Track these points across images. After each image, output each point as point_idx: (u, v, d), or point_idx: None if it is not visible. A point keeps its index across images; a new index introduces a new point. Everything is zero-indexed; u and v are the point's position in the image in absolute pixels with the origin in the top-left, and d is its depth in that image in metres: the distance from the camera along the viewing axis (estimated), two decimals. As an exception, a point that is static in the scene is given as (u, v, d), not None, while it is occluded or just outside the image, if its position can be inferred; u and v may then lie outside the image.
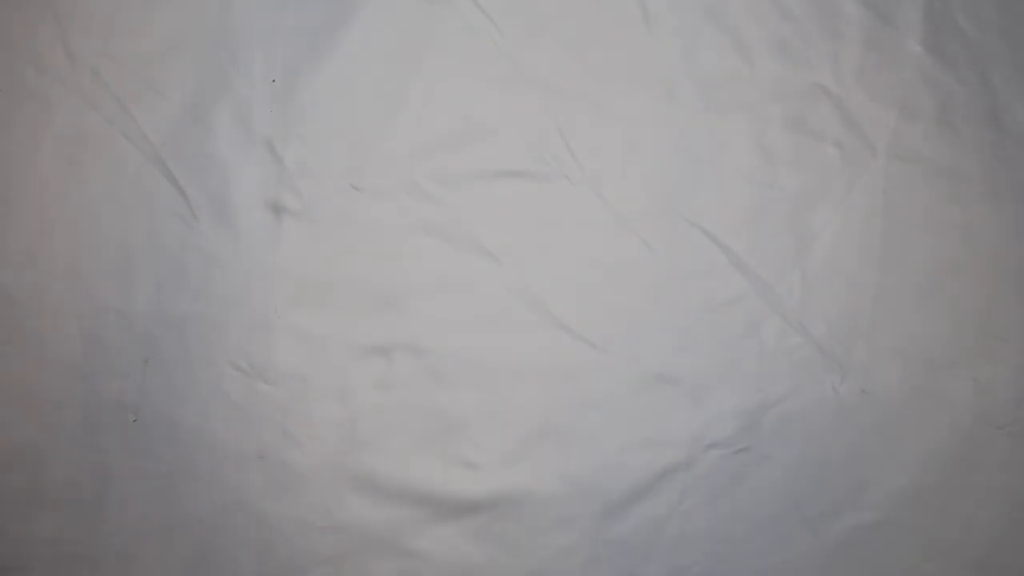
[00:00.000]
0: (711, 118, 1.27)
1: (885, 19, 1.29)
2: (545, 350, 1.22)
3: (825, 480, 1.20)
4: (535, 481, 1.20)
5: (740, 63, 1.28)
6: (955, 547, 1.19)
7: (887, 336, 1.23)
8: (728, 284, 1.24)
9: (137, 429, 1.19)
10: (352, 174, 1.25)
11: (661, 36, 1.28)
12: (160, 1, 1.27)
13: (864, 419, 1.21)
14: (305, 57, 1.26)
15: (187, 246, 1.23)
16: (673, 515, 1.19)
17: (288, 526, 1.18)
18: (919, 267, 1.25)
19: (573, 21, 1.28)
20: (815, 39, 1.29)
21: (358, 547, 1.18)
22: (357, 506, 1.19)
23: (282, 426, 1.20)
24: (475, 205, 1.24)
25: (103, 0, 1.27)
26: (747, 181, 1.26)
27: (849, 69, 1.28)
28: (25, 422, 1.19)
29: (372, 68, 1.27)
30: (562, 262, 1.24)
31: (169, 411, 1.19)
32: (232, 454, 1.19)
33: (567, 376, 1.22)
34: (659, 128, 1.26)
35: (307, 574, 1.18)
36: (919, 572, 1.19)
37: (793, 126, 1.27)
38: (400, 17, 1.28)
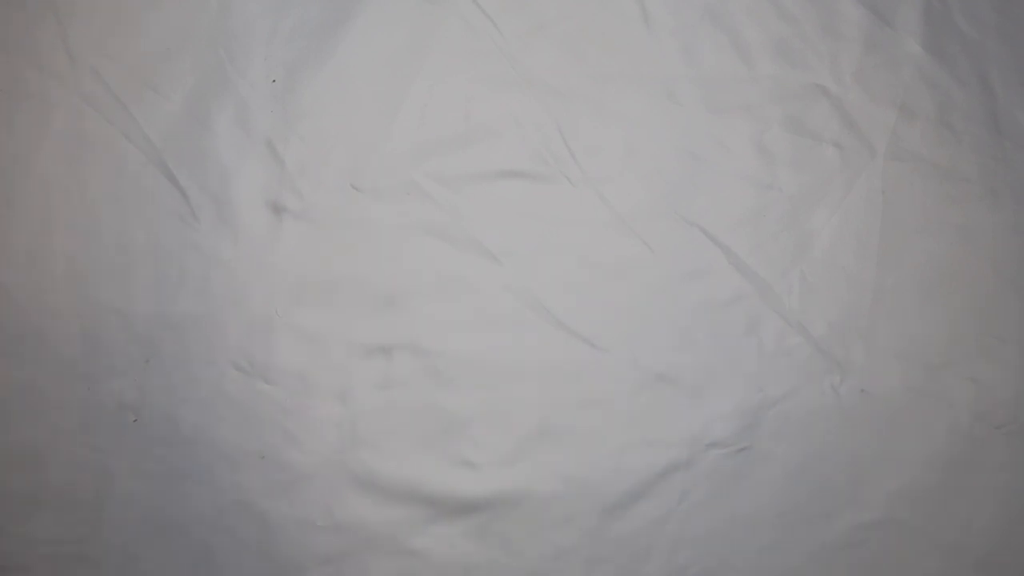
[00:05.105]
0: (711, 119, 1.27)
1: (884, 19, 1.29)
2: (545, 350, 1.22)
3: (825, 480, 1.20)
4: (535, 481, 1.20)
5: (740, 64, 1.28)
6: (954, 547, 1.19)
7: (886, 336, 1.23)
8: (728, 284, 1.24)
9: (137, 429, 1.19)
10: (352, 174, 1.25)
11: (661, 36, 1.28)
12: (160, 1, 1.27)
13: (863, 419, 1.22)
14: (305, 57, 1.26)
15: (187, 246, 1.23)
16: (673, 515, 1.19)
17: (288, 526, 1.18)
18: (918, 267, 1.25)
19: (573, 21, 1.28)
20: (814, 40, 1.29)
21: (358, 547, 1.18)
22: (357, 506, 1.19)
23: (282, 426, 1.20)
24: (475, 205, 1.25)
25: (103, 0, 1.27)
26: (747, 181, 1.26)
27: (848, 70, 1.29)
28: (25, 422, 1.19)
29: (372, 68, 1.27)
30: (562, 262, 1.24)
31: (169, 411, 1.19)
32: (232, 454, 1.19)
33: (567, 376, 1.22)
34: (659, 128, 1.27)
35: (307, 574, 1.17)
36: (919, 572, 1.19)
37: (792, 126, 1.27)
38: (400, 17, 1.28)
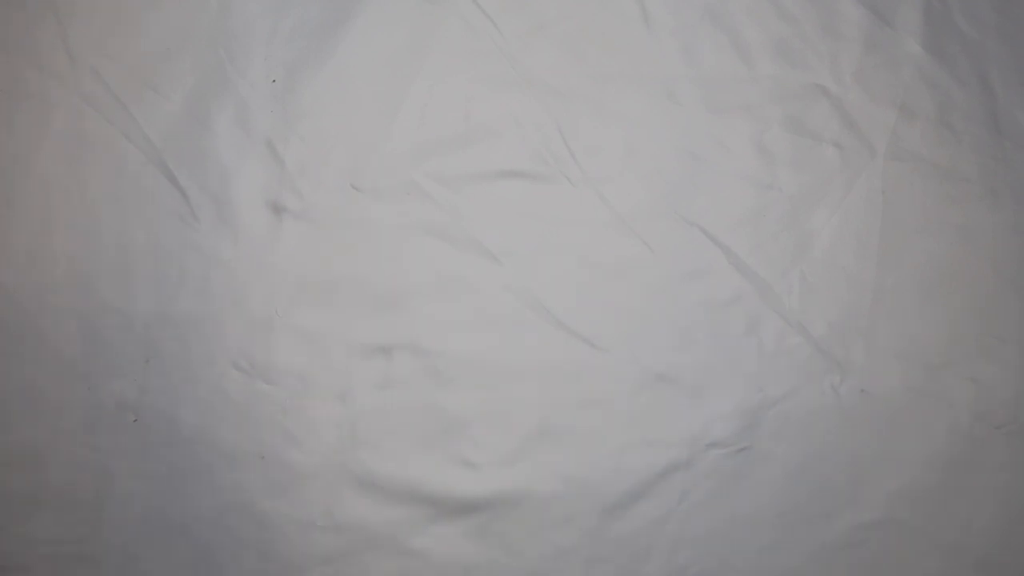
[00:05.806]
0: (711, 119, 1.27)
1: (884, 19, 1.29)
2: (545, 350, 1.22)
3: (825, 480, 1.20)
4: (535, 481, 1.20)
5: (739, 64, 1.28)
6: (955, 547, 1.19)
7: (886, 336, 1.23)
8: (728, 284, 1.24)
9: (137, 429, 1.19)
10: (352, 174, 1.25)
11: (661, 36, 1.28)
12: (160, 1, 1.27)
13: (863, 419, 1.22)
14: (305, 57, 1.26)
15: (187, 246, 1.23)
16: (673, 515, 1.19)
17: (288, 526, 1.18)
18: (918, 267, 1.25)
19: (573, 21, 1.28)
20: (814, 40, 1.29)
21: (358, 547, 1.18)
22: (357, 506, 1.19)
23: (282, 426, 1.20)
24: (475, 205, 1.25)
25: (103, 0, 1.27)
26: (747, 181, 1.26)
27: (848, 70, 1.29)
28: (25, 422, 1.19)
29: (372, 68, 1.27)
30: (562, 262, 1.24)
31: (169, 411, 1.19)
32: (232, 454, 1.19)
33: (567, 376, 1.22)
34: (659, 128, 1.27)
35: (307, 574, 1.17)
36: (919, 572, 1.19)
37: (792, 126, 1.27)
38: (400, 17, 1.28)
